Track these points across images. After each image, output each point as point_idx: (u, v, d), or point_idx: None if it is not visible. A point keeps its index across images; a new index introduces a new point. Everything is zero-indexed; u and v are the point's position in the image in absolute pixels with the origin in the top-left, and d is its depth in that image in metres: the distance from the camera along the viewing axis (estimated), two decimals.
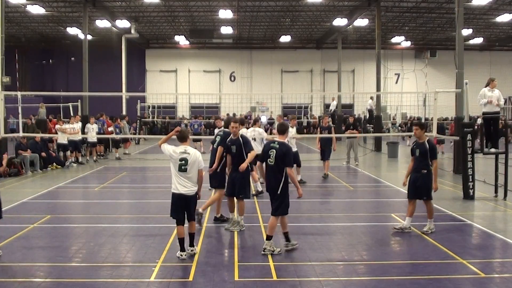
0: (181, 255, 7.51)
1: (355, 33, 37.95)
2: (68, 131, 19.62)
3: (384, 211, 11.19)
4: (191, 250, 7.65)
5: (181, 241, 7.56)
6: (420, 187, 9.00)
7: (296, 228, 9.60)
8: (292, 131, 14.19)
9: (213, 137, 10.71)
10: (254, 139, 12.54)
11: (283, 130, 7.94)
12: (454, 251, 7.90)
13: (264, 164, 8.03)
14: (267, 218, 10.22)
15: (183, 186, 7.47)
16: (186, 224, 7.69)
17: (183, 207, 7.56)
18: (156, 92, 40.61)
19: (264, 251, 7.68)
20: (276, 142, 7.78)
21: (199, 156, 7.60)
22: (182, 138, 7.70)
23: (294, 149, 13.54)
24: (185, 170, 7.44)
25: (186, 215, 7.64)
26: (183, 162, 7.43)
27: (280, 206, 7.76)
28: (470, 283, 6.61)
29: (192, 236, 7.74)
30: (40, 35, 40.90)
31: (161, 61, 44.32)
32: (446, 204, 11.72)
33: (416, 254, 7.96)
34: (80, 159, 20.51)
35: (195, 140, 23.61)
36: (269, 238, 7.73)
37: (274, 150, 7.69)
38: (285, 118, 28.99)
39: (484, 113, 12.95)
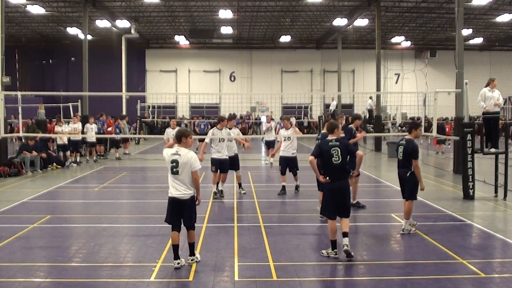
0: (178, 263, 7.08)
1: (355, 33, 37.96)
2: (65, 132, 19.67)
3: (384, 211, 11.20)
4: (191, 260, 7.23)
5: (175, 248, 7.13)
6: None
7: (296, 228, 9.62)
8: (285, 133, 13.07)
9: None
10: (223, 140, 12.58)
11: (332, 129, 7.80)
12: (454, 251, 7.89)
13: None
14: (267, 218, 10.27)
15: (176, 189, 7.10)
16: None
17: (177, 212, 7.14)
18: (156, 92, 40.59)
19: (345, 246, 7.41)
20: (334, 140, 7.63)
21: (192, 157, 7.06)
22: (176, 138, 7.26)
23: (290, 154, 12.86)
24: (176, 173, 7.06)
25: (183, 221, 7.21)
26: (174, 164, 7.05)
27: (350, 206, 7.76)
28: (470, 283, 6.60)
29: (191, 245, 7.29)
30: (40, 35, 40.90)
31: (161, 61, 44.32)
32: (446, 204, 11.72)
33: (416, 254, 7.96)
34: (78, 159, 20.48)
35: (200, 140, 23.59)
36: (346, 234, 7.48)
37: (338, 148, 7.53)
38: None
39: (484, 113, 12.95)
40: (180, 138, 7.19)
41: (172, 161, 7.07)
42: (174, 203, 7.15)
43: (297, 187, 13.33)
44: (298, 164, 13.13)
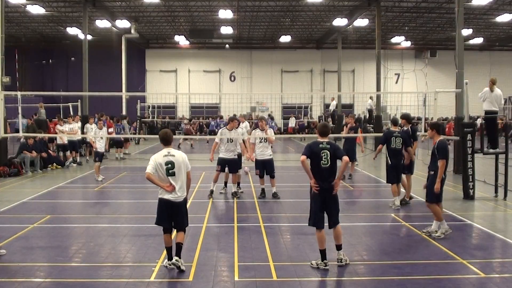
0: (169, 265, 6.98)
1: (355, 33, 37.95)
2: (65, 131, 19.68)
3: (384, 211, 11.19)
4: (176, 261, 6.89)
5: (169, 250, 7.08)
6: (426, 188, 8.98)
7: (296, 228, 9.62)
8: (261, 134, 12.57)
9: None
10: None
11: (325, 132, 7.39)
12: (454, 251, 7.90)
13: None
14: (267, 218, 10.27)
15: (169, 192, 6.95)
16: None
17: (170, 215, 7.03)
18: (156, 92, 40.59)
19: (340, 261, 7.26)
20: (325, 143, 7.22)
21: (185, 157, 7.13)
22: (166, 140, 7.15)
23: (266, 156, 12.51)
24: (173, 174, 6.94)
25: (173, 224, 7.11)
26: (170, 165, 6.94)
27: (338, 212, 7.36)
28: (470, 283, 6.61)
29: (179, 246, 7.01)
30: (40, 35, 40.89)
31: (161, 61, 44.28)
32: (446, 204, 11.66)
33: (416, 254, 7.96)
34: (78, 159, 20.48)
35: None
36: (340, 247, 7.32)
37: (327, 152, 7.14)
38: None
39: (486, 113, 12.93)
40: (169, 140, 7.21)
41: (167, 163, 6.96)
42: (168, 205, 7.01)
43: (274, 195, 12.45)
44: (274, 166, 12.76)
